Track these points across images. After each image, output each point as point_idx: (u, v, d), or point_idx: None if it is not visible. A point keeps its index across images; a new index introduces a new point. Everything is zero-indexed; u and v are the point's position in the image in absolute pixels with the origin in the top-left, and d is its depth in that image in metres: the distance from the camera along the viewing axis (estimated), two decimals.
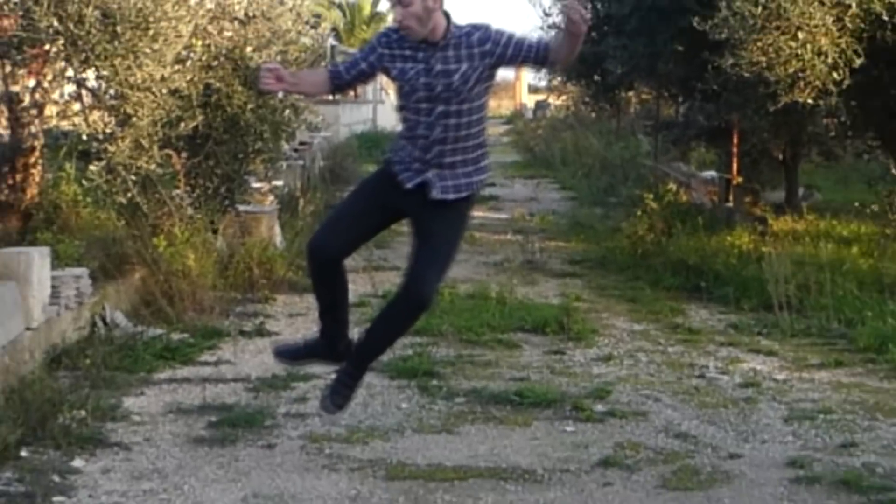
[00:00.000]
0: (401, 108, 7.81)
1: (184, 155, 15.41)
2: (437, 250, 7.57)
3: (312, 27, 20.00)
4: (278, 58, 16.99)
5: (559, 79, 34.25)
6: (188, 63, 14.60)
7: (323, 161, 28.38)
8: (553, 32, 21.50)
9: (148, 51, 13.35)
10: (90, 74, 14.02)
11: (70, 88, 14.90)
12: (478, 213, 26.69)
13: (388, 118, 56.29)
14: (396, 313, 8.18)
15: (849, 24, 16.61)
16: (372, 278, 17.10)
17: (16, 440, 8.89)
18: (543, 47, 7.76)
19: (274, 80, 7.58)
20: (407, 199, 7.53)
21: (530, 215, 26.41)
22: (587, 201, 29.64)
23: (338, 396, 8.32)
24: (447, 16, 7.41)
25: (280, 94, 15.24)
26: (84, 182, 15.54)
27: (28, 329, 10.88)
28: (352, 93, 51.64)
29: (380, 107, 54.12)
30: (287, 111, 17.81)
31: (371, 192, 7.96)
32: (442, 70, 7.25)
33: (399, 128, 8.17)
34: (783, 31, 16.39)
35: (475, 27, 7.48)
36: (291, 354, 9.14)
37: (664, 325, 15.46)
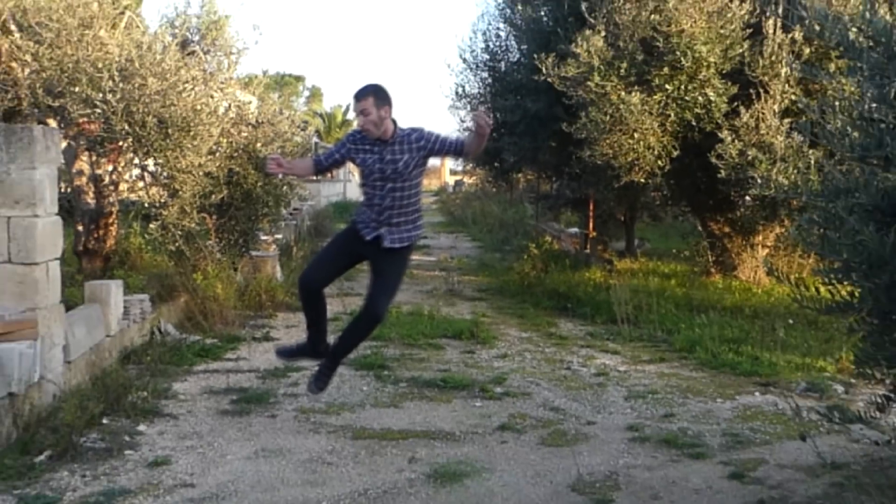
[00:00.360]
0: (362, 185, 8.62)
1: (214, 217, 15.45)
2: (387, 282, 8.41)
3: (302, 130, 20.09)
4: (279, 150, 17.22)
5: (470, 165, 33.78)
6: (217, 154, 14.66)
7: (309, 221, 28.33)
8: (467, 133, 21.04)
9: (189, 146, 13.47)
10: (150, 162, 14.12)
11: (136, 172, 15.00)
12: (415, 257, 26.54)
13: (354, 192, 56.01)
14: (359, 326, 8.92)
15: (669, 128, 16.84)
16: (343, 301, 17.17)
17: (99, 412, 9.13)
18: (460, 143, 8.65)
19: (276, 166, 8.50)
20: (367, 248, 8.36)
21: (451, 258, 26.33)
22: (490, 249, 29.49)
23: (319, 382, 9.15)
24: (394, 122, 8.26)
25: (280, 176, 15.21)
26: (145, 235, 15.54)
27: (108, 336, 10.95)
28: (329, 175, 51.64)
29: (348, 184, 53.79)
30: (285, 187, 17.88)
31: (342, 243, 8.77)
32: (391, 159, 8.13)
33: (361, 198, 8.82)
34: (623, 133, 16.54)
35: (413, 129, 8.34)
36: (288, 354, 9.86)
37: (542, 334, 15.44)
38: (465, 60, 23.01)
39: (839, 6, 15.85)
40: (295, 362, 11.85)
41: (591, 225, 25.09)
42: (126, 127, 13.10)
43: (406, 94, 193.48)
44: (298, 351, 9.40)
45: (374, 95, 8.07)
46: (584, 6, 17.35)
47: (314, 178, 42.07)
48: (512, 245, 28.59)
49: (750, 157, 15.89)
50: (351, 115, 75.24)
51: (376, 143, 8.26)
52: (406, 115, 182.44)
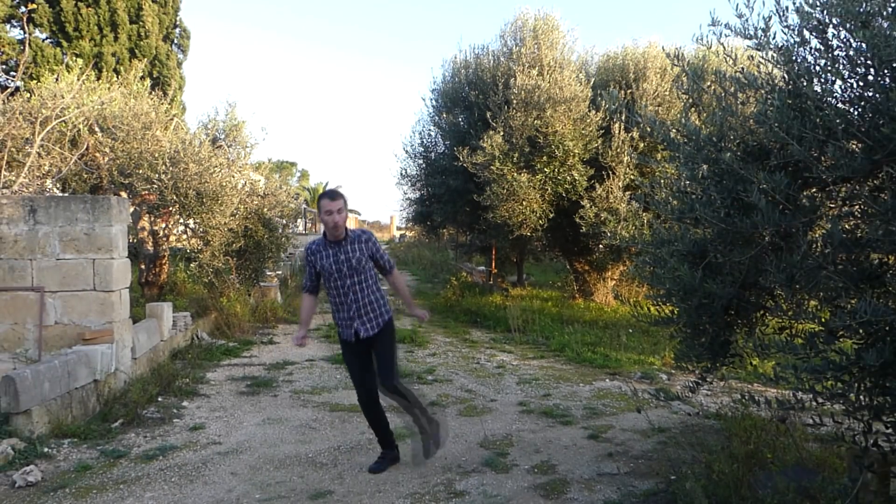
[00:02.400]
0: (326, 290, 6.98)
1: (235, 259, 15.31)
2: (382, 359, 6.80)
3: (295, 199, 20.08)
4: (278, 214, 17.24)
5: (410, 224, 33.68)
6: (237, 216, 14.61)
7: (300, 262, 28.21)
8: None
9: (218, 210, 13.43)
10: (190, 221, 14.04)
11: (181, 228, 14.92)
12: None
13: None
14: (396, 400, 7.03)
15: (547, 198, 16.90)
16: (324, 317, 17.21)
17: (156, 392, 9.16)
18: (390, 268, 7.13)
19: (303, 338, 7.01)
20: (359, 343, 6.78)
21: None
22: (424, 280, 29.24)
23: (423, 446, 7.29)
24: (345, 228, 6.81)
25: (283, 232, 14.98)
26: (187, 272, 15.48)
27: (161, 341, 10.90)
28: (313, 228, 51.23)
29: None
30: (283, 239, 17.96)
31: (349, 354, 6.90)
32: (345, 258, 6.73)
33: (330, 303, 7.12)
34: (515, 202, 16.59)
35: (363, 231, 6.98)
36: (381, 468, 7.02)
37: (460, 339, 15.39)
38: (406, 151, 23.02)
39: (664, 114, 16.13)
40: (291, 359, 11.86)
41: (493, 264, 25.12)
42: (174, 197, 13.11)
43: (366, 175, 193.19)
44: (388, 461, 7.11)
45: (343, 200, 6.77)
46: (488, 114, 17.53)
47: (302, 230, 41.79)
48: (439, 278, 28.48)
49: (602, 218, 16.06)
50: (329, 188, 75.16)
51: (330, 246, 6.83)
52: (367, 188, 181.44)
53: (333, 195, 6.80)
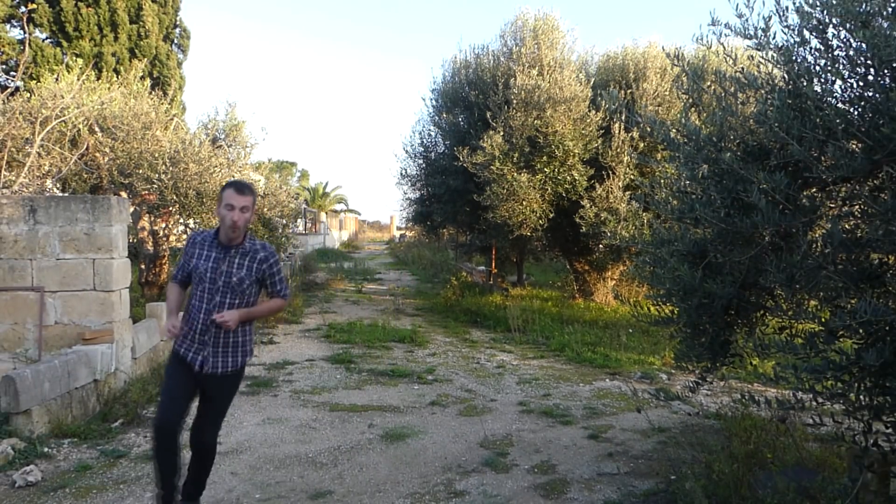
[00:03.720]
0: (191, 294, 5.55)
1: None
2: (218, 409, 5.61)
3: (295, 199, 20.08)
4: (279, 213, 17.23)
5: (410, 224, 33.64)
6: (258, 240, 14.66)
7: (300, 262, 28.11)
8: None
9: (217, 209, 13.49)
10: (191, 221, 14.04)
11: (181, 227, 14.92)
12: (371, 286, 26.60)
13: (330, 242, 55.84)
14: (197, 461, 5.66)
15: (547, 198, 16.89)
16: (323, 317, 17.18)
17: (156, 392, 9.07)
18: (283, 292, 5.61)
19: (172, 326, 5.34)
20: (198, 372, 5.41)
21: (397, 287, 26.16)
22: (424, 281, 29.18)
23: None
24: (246, 234, 5.43)
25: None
26: None
27: (161, 340, 10.87)
28: (313, 229, 51.07)
29: (326, 237, 53.39)
30: (283, 239, 17.94)
31: (177, 369, 5.51)
32: (226, 270, 5.30)
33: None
34: (515, 201, 16.60)
35: (265, 247, 5.55)
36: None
37: (460, 339, 15.34)
38: (406, 151, 23.01)
39: (664, 114, 16.11)
40: (290, 358, 11.84)
41: (493, 264, 25.10)
42: (174, 197, 13.11)
43: (366, 175, 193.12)
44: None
45: (253, 198, 5.39)
46: (488, 114, 17.51)
47: (302, 230, 41.77)
48: (439, 278, 28.46)
49: (602, 218, 16.05)
50: (330, 187, 74.79)
51: (217, 247, 5.42)
52: (367, 188, 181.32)
53: (242, 188, 5.36)
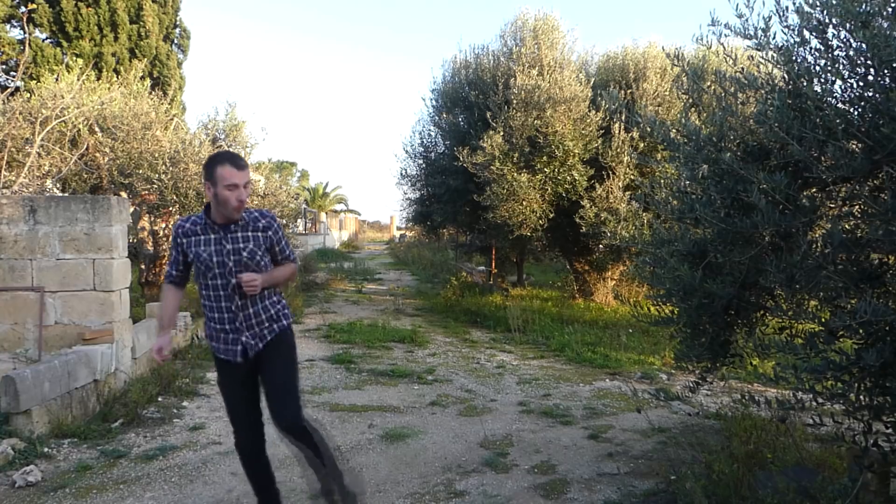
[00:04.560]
0: (200, 290, 5.01)
1: None
2: (281, 382, 4.98)
3: (295, 199, 20.09)
4: (278, 210, 17.23)
5: (410, 224, 33.62)
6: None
7: (300, 261, 28.07)
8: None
9: None
10: None
11: None
12: (371, 286, 26.61)
13: (330, 242, 55.70)
14: (299, 449, 5.18)
15: (547, 198, 16.90)
16: (323, 317, 17.19)
17: (156, 392, 9.14)
18: (288, 257, 5.08)
19: (161, 349, 4.99)
20: (246, 363, 4.98)
21: (397, 287, 26.15)
22: (424, 281, 29.15)
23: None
24: None
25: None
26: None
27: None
28: (312, 229, 51.05)
29: (326, 237, 53.28)
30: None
31: (230, 380, 5.12)
32: (233, 248, 4.79)
33: (203, 311, 5.15)
34: (515, 202, 16.60)
35: (262, 213, 5.01)
36: None
37: (460, 339, 15.33)
38: (406, 151, 23.04)
39: (664, 114, 16.12)
40: None
41: (493, 264, 25.11)
42: (174, 197, 13.13)
43: (366, 175, 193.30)
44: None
45: (248, 170, 4.84)
46: (488, 114, 17.51)
47: (302, 230, 41.70)
48: (439, 278, 28.43)
49: (602, 218, 16.05)
50: (330, 187, 74.73)
51: (213, 229, 4.87)
52: (367, 188, 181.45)
53: (239, 162, 4.79)
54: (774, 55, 4.35)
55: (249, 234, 4.90)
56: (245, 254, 4.85)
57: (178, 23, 30.11)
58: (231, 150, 15.86)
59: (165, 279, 5.21)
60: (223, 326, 4.94)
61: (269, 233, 4.97)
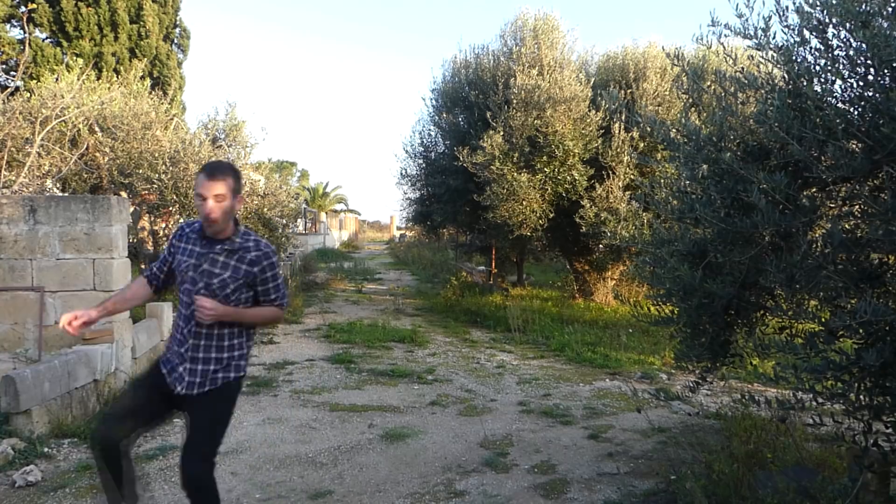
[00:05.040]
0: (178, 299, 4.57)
1: None
2: (202, 432, 4.38)
3: (295, 199, 20.13)
4: (279, 213, 17.26)
5: (410, 224, 33.65)
6: (238, 216, 14.71)
7: (300, 262, 28.12)
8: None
9: None
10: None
11: None
12: (371, 286, 26.64)
13: (331, 242, 55.80)
14: (190, 496, 4.31)
15: (547, 198, 16.92)
16: (323, 317, 17.19)
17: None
18: (273, 301, 4.50)
19: (82, 322, 4.47)
20: (171, 392, 4.37)
21: (397, 287, 26.16)
22: (424, 280, 29.13)
23: None
24: (236, 221, 4.47)
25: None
26: None
27: (161, 340, 10.85)
28: (313, 229, 51.05)
29: (326, 237, 53.32)
30: (283, 239, 17.98)
31: (146, 382, 4.61)
32: (206, 269, 4.34)
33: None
34: (515, 201, 16.61)
35: (259, 243, 4.47)
36: None
37: (460, 339, 15.33)
38: (406, 151, 23.05)
39: (664, 114, 16.12)
40: (291, 358, 11.84)
41: (493, 264, 25.11)
42: (174, 197, 13.15)
43: (366, 175, 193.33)
44: None
45: (233, 178, 4.35)
46: (488, 114, 17.52)
47: (302, 230, 41.73)
48: (439, 278, 28.44)
49: (602, 218, 16.06)
50: (330, 187, 74.72)
51: (201, 241, 4.45)
52: (367, 188, 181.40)
53: (214, 171, 4.31)
54: (774, 55, 4.35)
55: (232, 262, 4.38)
56: (216, 282, 4.34)
57: (178, 23, 30.13)
58: (233, 149, 15.98)
59: (142, 272, 4.71)
60: (174, 346, 4.48)
61: (256, 269, 4.41)
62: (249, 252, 4.40)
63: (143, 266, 14.35)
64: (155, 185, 13.16)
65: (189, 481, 4.29)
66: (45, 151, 12.43)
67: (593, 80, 17.70)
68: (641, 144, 16.62)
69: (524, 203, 16.87)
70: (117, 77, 16.64)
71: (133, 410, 4.46)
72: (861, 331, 3.98)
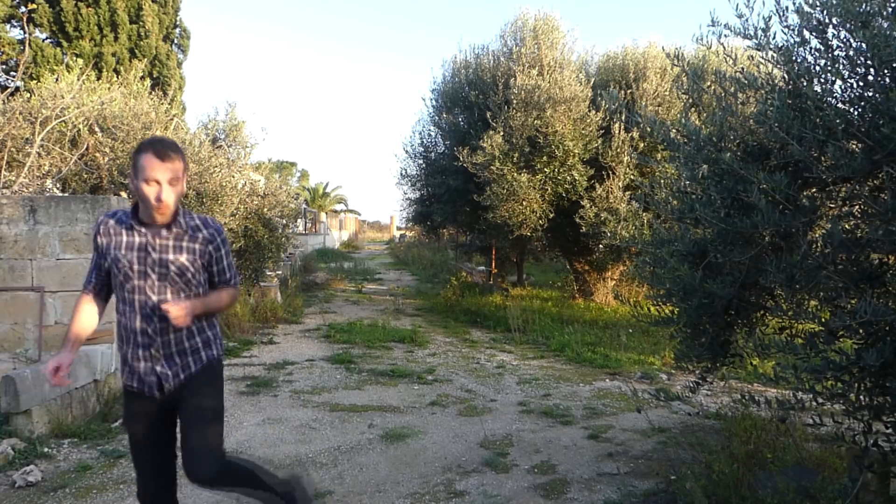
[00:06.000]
0: (117, 302, 4.13)
1: (235, 259, 15.40)
2: (199, 423, 4.01)
3: (295, 199, 20.15)
4: (278, 213, 17.28)
5: (410, 224, 33.68)
6: (237, 216, 14.64)
7: (300, 262, 28.10)
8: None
9: (218, 210, 13.46)
10: None
11: None
12: (371, 286, 26.68)
13: (330, 242, 55.77)
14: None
15: (547, 198, 16.92)
16: (323, 317, 17.19)
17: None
18: (227, 281, 4.20)
19: (57, 368, 3.78)
20: (162, 397, 4.01)
21: (397, 287, 26.17)
22: (424, 281, 29.15)
23: None
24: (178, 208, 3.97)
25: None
26: None
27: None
28: (313, 229, 51.00)
29: (326, 237, 53.32)
30: (283, 239, 18.01)
31: (138, 415, 4.12)
32: (159, 258, 3.92)
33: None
34: (515, 202, 16.62)
35: (207, 221, 4.10)
36: None
37: (460, 339, 15.34)
38: (406, 151, 23.06)
39: (664, 114, 16.13)
40: (290, 358, 11.85)
41: (493, 264, 25.11)
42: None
43: (366, 175, 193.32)
44: None
45: (182, 157, 3.89)
46: (488, 114, 17.53)
47: (302, 230, 41.74)
48: (439, 278, 28.46)
49: (602, 218, 16.07)
50: (330, 187, 74.62)
51: (137, 229, 3.95)
52: (367, 188, 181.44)
53: (164, 149, 3.80)
54: (774, 55, 4.35)
55: (184, 244, 4.00)
56: (173, 268, 3.96)
57: (178, 23, 30.11)
58: (233, 149, 15.98)
59: (82, 288, 4.29)
60: (137, 352, 4.02)
61: (210, 247, 4.08)
62: (199, 232, 4.04)
63: None
64: None
65: (205, 482, 4.02)
66: (45, 152, 12.41)
67: (593, 80, 17.70)
68: (641, 144, 16.63)
69: (524, 203, 16.87)
70: (117, 77, 16.59)
71: (158, 450, 4.19)
72: (861, 331, 3.98)
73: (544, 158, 16.91)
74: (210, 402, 4.08)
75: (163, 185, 3.76)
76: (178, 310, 3.80)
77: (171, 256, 3.94)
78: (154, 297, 3.93)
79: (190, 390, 4.04)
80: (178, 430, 4.12)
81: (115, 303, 4.18)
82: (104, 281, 4.18)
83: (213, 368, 4.19)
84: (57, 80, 14.40)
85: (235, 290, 4.35)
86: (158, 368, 3.98)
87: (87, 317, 4.17)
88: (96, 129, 13.69)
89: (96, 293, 4.21)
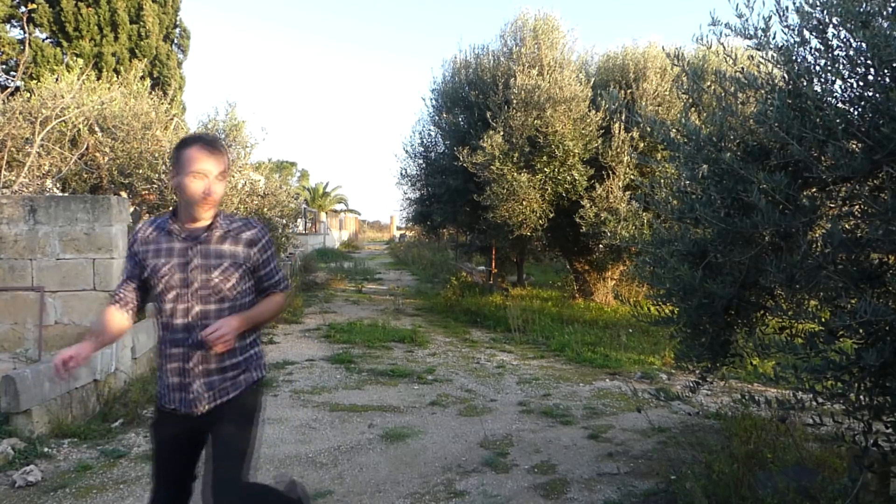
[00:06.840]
0: (156, 313, 3.76)
1: None
2: (230, 451, 3.69)
3: (295, 199, 20.15)
4: (279, 213, 17.26)
5: (410, 224, 33.68)
6: (236, 216, 14.70)
7: (300, 262, 28.09)
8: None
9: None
10: None
11: None
12: (371, 286, 26.68)
13: (330, 242, 55.79)
14: None
15: (547, 198, 16.92)
16: (323, 317, 17.19)
17: (155, 391, 9.14)
18: (276, 285, 3.93)
19: (67, 363, 3.38)
20: (194, 419, 3.71)
21: (397, 287, 26.16)
22: (424, 280, 29.16)
23: None
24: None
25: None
26: None
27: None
28: (313, 229, 50.99)
29: (326, 237, 53.35)
30: (283, 239, 18.00)
31: (167, 437, 3.80)
32: (201, 264, 3.66)
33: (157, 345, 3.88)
34: (515, 201, 16.62)
35: (247, 222, 3.84)
36: None
37: (460, 339, 15.33)
38: (406, 151, 23.04)
39: (664, 114, 16.12)
40: (289, 359, 11.84)
41: (493, 264, 25.09)
42: (175, 197, 13.11)
43: (366, 175, 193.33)
44: None
45: (227, 159, 3.74)
46: (488, 114, 17.51)
47: (302, 230, 41.74)
48: (439, 278, 28.45)
49: (602, 218, 16.06)
50: (330, 187, 74.65)
51: (178, 235, 3.70)
52: (367, 188, 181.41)
53: (215, 144, 3.70)
54: (774, 55, 4.34)
55: (227, 247, 3.73)
56: (216, 274, 3.68)
57: (178, 23, 30.10)
58: (233, 149, 15.94)
59: (110, 299, 3.90)
60: (172, 365, 3.72)
61: (255, 250, 3.81)
62: (243, 232, 3.78)
63: None
64: (155, 185, 13.15)
65: None
66: (45, 151, 12.42)
67: (593, 80, 17.70)
68: (641, 144, 16.63)
69: (524, 203, 16.87)
70: (117, 77, 16.61)
71: (182, 471, 3.89)
72: (861, 331, 3.98)
73: (544, 158, 16.91)
74: (243, 433, 3.77)
75: (211, 178, 3.58)
76: (219, 335, 3.51)
77: (212, 261, 3.70)
78: (198, 307, 3.67)
79: (225, 416, 3.74)
80: (203, 451, 3.84)
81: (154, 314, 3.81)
82: (136, 293, 3.83)
83: (254, 393, 3.92)
84: (57, 80, 14.41)
85: (283, 296, 4.08)
86: (195, 386, 3.68)
87: (118, 319, 3.76)
88: (96, 128, 13.70)
89: (123, 305, 3.80)
